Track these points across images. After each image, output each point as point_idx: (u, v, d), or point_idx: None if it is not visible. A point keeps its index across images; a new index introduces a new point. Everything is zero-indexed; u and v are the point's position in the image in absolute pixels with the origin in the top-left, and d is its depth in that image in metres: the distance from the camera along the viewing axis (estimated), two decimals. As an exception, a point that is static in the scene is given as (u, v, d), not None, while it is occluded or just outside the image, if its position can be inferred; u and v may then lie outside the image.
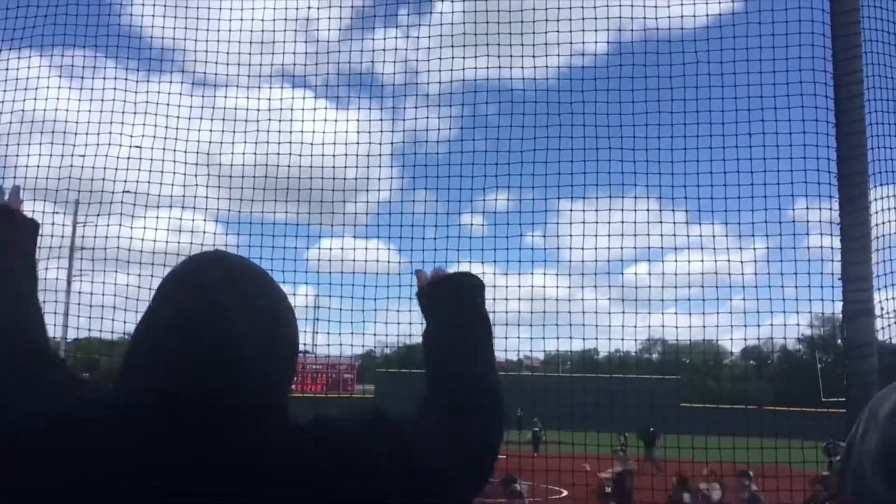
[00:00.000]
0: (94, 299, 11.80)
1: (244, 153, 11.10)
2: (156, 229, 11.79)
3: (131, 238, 11.58)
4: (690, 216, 11.93)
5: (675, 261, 11.45)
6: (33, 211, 11.19)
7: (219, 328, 1.16)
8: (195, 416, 1.12)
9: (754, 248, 10.61)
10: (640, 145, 9.98)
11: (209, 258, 1.27)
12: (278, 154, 11.18)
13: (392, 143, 13.09)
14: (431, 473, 1.22)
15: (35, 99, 10.73)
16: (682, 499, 10.84)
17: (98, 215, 11.87)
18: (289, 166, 11.15)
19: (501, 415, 1.44)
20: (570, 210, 11.10)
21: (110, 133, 11.18)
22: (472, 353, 1.49)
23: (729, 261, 9.82)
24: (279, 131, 11.12)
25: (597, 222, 10.36)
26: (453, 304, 1.55)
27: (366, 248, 12.01)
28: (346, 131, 11.42)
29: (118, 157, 11.18)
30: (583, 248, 10.66)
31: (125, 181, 11.14)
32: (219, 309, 1.17)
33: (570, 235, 10.66)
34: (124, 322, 10.49)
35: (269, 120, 11.10)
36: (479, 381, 1.44)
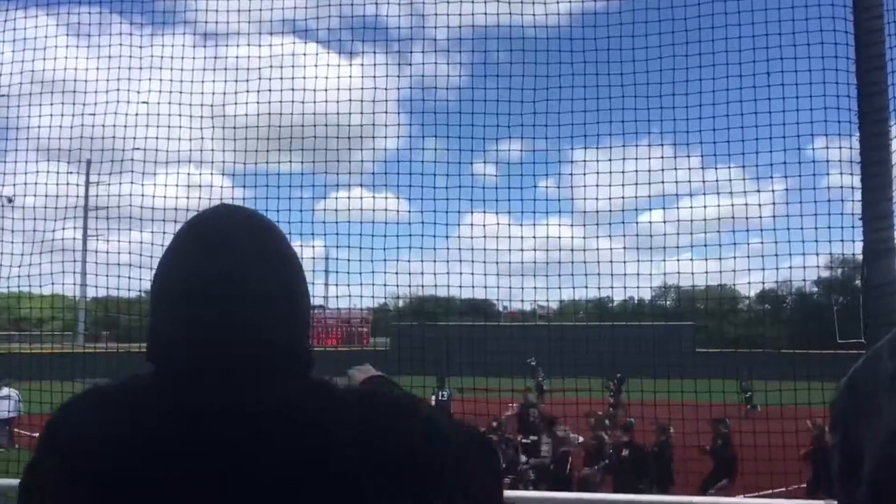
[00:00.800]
0: (110, 258, 11.90)
1: (247, 103, 11.05)
2: (165, 185, 11.81)
3: (143, 195, 11.60)
4: (706, 160, 11.75)
5: (691, 207, 11.28)
6: (48, 171, 11.20)
7: (233, 285, 1.14)
8: (213, 375, 1.11)
9: (773, 190, 10.46)
10: (654, 91, 9.81)
11: (218, 213, 1.24)
12: (281, 102, 11.09)
13: (398, 89, 12.93)
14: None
15: (44, 59, 10.67)
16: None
17: (111, 174, 11.91)
18: (292, 114, 11.09)
19: None
20: (584, 160, 11.02)
21: (118, 90, 11.13)
22: None
23: (746, 204, 9.72)
24: (281, 78, 11.03)
25: (610, 172, 10.24)
26: None
27: (373, 197, 11.97)
28: (351, 76, 11.28)
29: (127, 115, 11.18)
30: (597, 198, 10.55)
31: (135, 138, 11.13)
32: (232, 266, 1.15)
33: (584, 186, 10.55)
34: (140, 279, 10.59)
35: (271, 67, 11.03)
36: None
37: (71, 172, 11.79)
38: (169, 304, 1.17)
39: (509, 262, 10.90)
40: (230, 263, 1.15)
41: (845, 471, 1.10)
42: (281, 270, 1.20)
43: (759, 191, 10.58)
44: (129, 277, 10.98)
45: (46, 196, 11.00)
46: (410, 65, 11.57)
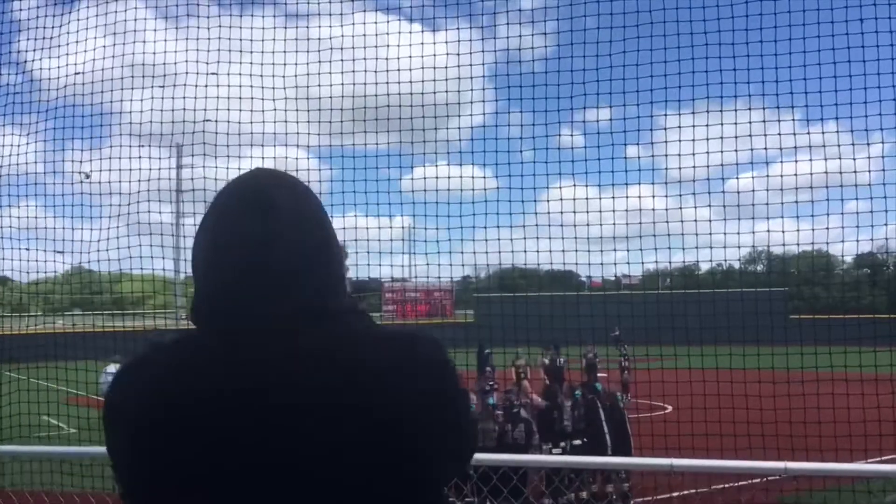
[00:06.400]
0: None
1: (331, 84, 11.18)
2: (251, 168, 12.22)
3: (229, 179, 12.02)
4: (809, 115, 11.13)
5: (795, 161, 10.68)
6: (140, 157, 11.63)
7: (277, 246, 1.21)
8: (259, 327, 1.18)
9: (882, 142, 9.87)
10: (755, 51, 9.41)
11: (259, 177, 1.31)
12: (365, 83, 11.27)
13: (483, 64, 12.86)
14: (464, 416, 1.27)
15: (134, 42, 11.12)
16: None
17: (193, 155, 12.35)
18: (376, 93, 11.19)
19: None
20: (679, 119, 10.64)
21: (197, 73, 11.45)
22: None
23: (854, 158, 9.23)
24: (365, 58, 11.18)
25: (707, 133, 9.85)
26: None
27: (461, 176, 11.96)
28: (435, 53, 11.27)
29: (212, 97, 11.51)
30: (682, 166, 10.24)
31: (216, 121, 11.42)
32: (278, 228, 1.22)
33: (678, 154, 10.20)
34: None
35: (354, 47, 11.16)
36: None
37: (163, 157, 12.28)
38: (217, 266, 1.23)
39: (594, 227, 10.75)
40: (276, 226, 1.22)
41: None
42: (318, 232, 1.28)
43: (867, 143, 10.00)
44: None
45: (140, 181, 11.53)
46: (495, 38, 11.49)
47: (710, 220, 10.86)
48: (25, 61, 12.56)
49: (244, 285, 1.19)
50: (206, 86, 11.33)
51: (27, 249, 11.74)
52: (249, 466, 1.10)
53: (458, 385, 1.24)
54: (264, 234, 1.21)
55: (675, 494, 7.88)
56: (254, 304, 1.19)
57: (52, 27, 11.15)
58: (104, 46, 11.01)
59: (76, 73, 10.84)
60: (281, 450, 1.10)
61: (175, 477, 1.13)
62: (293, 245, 1.22)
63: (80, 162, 11.91)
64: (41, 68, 11.83)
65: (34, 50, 11.21)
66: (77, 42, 10.98)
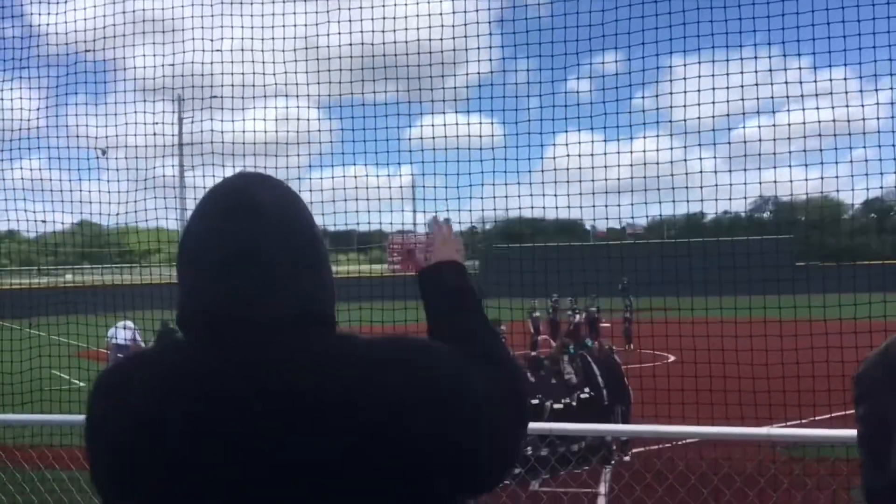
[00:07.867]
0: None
1: (330, 33, 11.01)
2: (254, 119, 11.99)
3: (234, 131, 11.89)
4: (817, 60, 10.90)
5: (802, 109, 10.49)
6: (144, 112, 11.56)
7: (265, 255, 1.19)
8: (249, 337, 1.17)
9: (892, 89, 9.72)
10: None
11: (246, 183, 1.28)
12: (363, 31, 11.04)
13: (488, 10, 12.60)
14: (485, 421, 1.20)
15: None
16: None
17: (201, 109, 12.24)
18: (379, 43, 11.00)
19: (520, 371, 1.42)
20: (684, 70, 10.42)
21: (202, 28, 11.29)
22: (479, 327, 1.46)
23: (863, 105, 9.06)
24: (371, 4, 10.90)
25: (713, 83, 9.63)
26: (449, 291, 1.52)
27: (467, 124, 11.77)
28: (434, 4, 11.08)
29: (213, 51, 11.36)
30: (698, 104, 10.08)
31: (222, 74, 11.30)
32: (265, 237, 1.20)
33: (683, 104, 10.03)
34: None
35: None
36: (491, 344, 1.41)
37: (166, 112, 12.19)
38: (205, 274, 1.20)
39: (606, 180, 10.70)
40: (263, 229, 1.20)
41: (871, 439, 1.29)
42: (306, 235, 1.25)
43: (876, 90, 9.74)
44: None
45: (146, 135, 11.47)
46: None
47: (714, 172, 10.73)
48: (23, 14, 12.37)
49: (232, 289, 1.18)
50: (203, 39, 11.17)
51: (33, 202, 11.79)
52: (248, 474, 1.09)
53: (460, 392, 1.18)
54: (252, 237, 1.19)
55: (667, 445, 7.99)
56: (242, 309, 1.17)
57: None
58: (113, 3, 10.85)
59: (86, 46, 10.69)
60: (278, 457, 1.09)
61: (173, 487, 1.12)
62: (281, 249, 1.20)
63: (96, 138, 11.88)
64: (39, 24, 11.71)
65: (33, 3, 11.08)
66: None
